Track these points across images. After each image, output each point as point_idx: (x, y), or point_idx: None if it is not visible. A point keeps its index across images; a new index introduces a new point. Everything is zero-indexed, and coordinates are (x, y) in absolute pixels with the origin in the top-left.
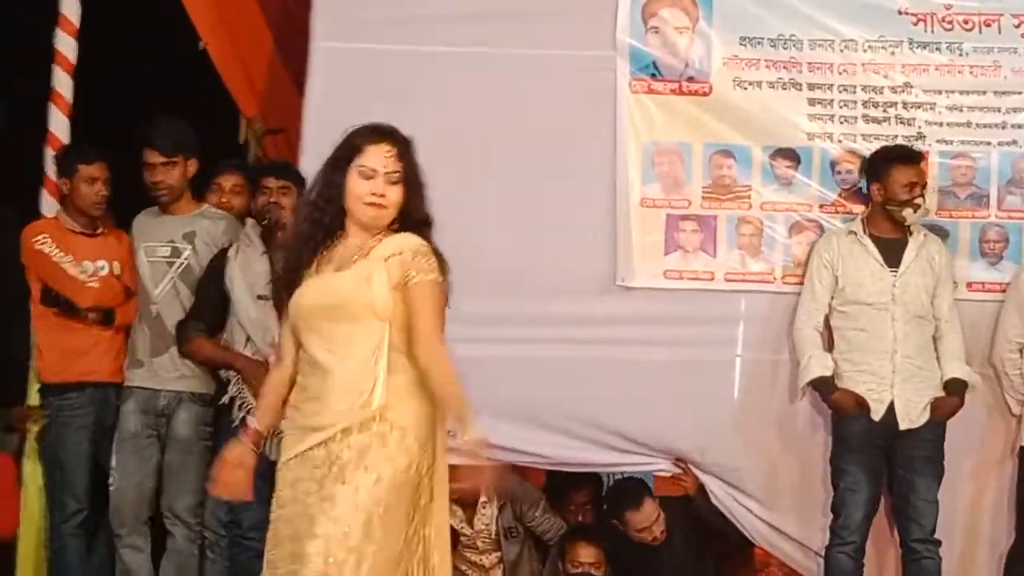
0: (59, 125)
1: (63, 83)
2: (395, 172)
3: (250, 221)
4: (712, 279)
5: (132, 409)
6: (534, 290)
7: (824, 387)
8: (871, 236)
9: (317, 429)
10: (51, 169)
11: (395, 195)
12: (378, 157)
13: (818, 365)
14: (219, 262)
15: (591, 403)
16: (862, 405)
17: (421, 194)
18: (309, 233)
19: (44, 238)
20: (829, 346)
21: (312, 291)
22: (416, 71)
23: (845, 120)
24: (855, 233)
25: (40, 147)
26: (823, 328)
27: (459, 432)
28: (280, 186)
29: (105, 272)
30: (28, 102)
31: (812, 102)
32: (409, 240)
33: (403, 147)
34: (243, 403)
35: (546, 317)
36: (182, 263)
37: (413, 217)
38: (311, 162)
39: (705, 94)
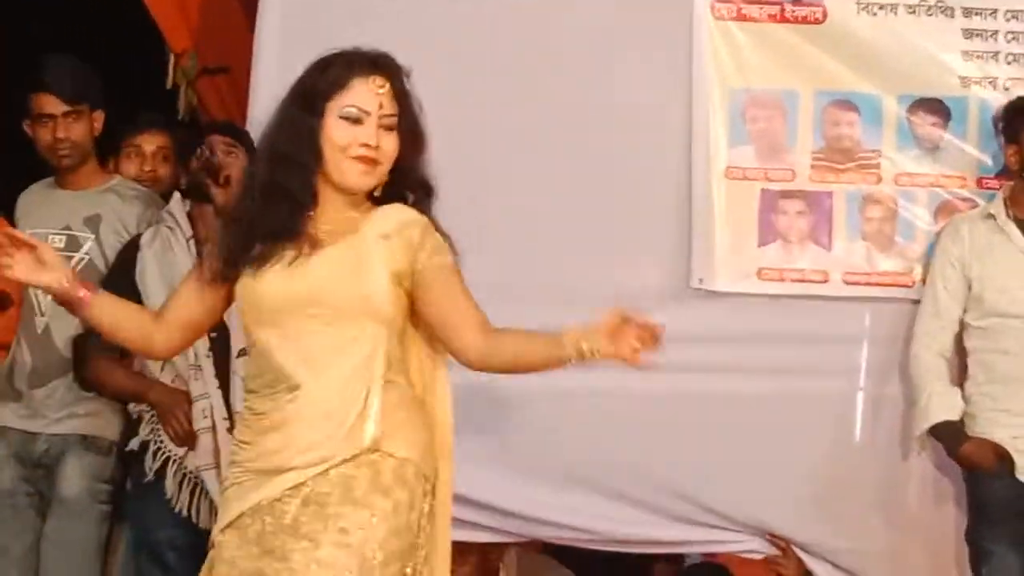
0: None
1: None
2: (391, 115)
3: (175, 197)
4: (825, 281)
5: (3, 455)
6: (577, 297)
7: (949, 436)
8: (1017, 221)
9: (280, 471)
10: None
11: (390, 146)
12: (369, 94)
13: (940, 406)
14: (129, 254)
15: (656, 456)
16: (1004, 459)
17: (421, 148)
18: (273, 202)
19: None
20: (963, 377)
21: (279, 278)
22: None
23: (1015, 59)
24: (994, 217)
25: None
26: (952, 352)
27: (583, 352)
28: (227, 143)
29: None
30: None
31: (968, 34)
32: (411, 214)
33: (400, 82)
34: (159, 450)
35: None
36: (82, 258)
37: (409, 179)
38: (263, 114)
39: (817, 21)
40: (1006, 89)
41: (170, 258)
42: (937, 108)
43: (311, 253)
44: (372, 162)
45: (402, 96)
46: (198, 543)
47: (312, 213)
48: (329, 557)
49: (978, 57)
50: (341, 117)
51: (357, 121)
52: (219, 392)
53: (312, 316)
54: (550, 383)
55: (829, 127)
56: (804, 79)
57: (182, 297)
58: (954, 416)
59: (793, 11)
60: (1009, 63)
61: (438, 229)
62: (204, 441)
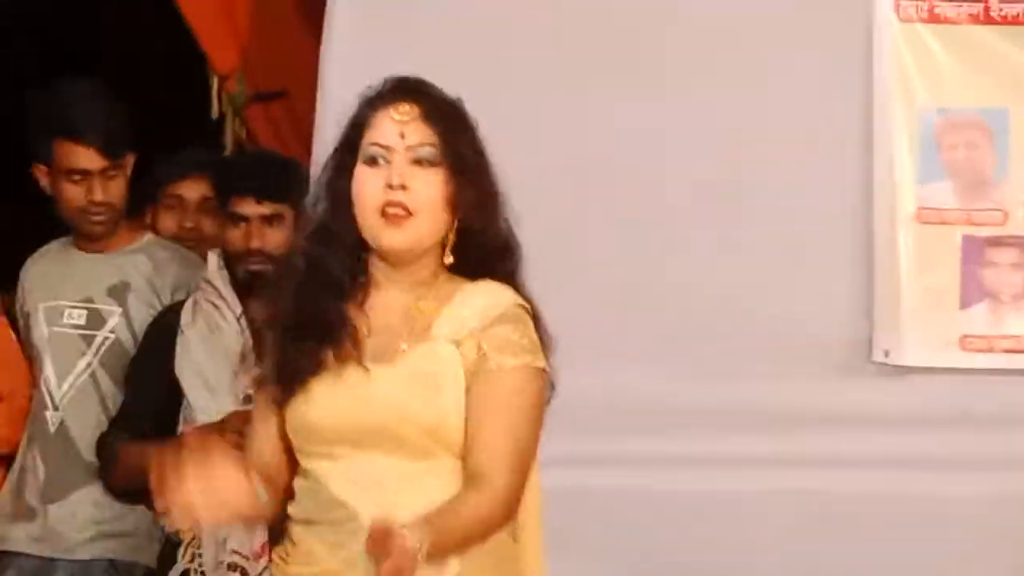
0: None
1: None
2: (424, 146)
3: (212, 257)
4: None
5: None
6: (726, 370)
7: None
8: None
9: None
10: None
11: (427, 186)
12: (390, 125)
13: None
14: (164, 335)
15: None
16: None
17: (491, 195)
18: (312, 289)
19: None
20: None
21: (333, 399)
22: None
23: None
24: None
25: None
26: None
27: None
28: (265, 214)
29: None
30: None
31: None
32: (497, 294)
33: (435, 106)
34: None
35: (749, 418)
36: (106, 337)
37: (478, 241)
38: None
39: None
40: None
41: (216, 342)
42: None
43: (371, 367)
44: (400, 209)
45: (442, 124)
46: None
47: (362, 300)
48: None
49: None
50: (363, 163)
51: (377, 162)
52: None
53: (374, 447)
54: (662, 482)
55: None
56: (1016, 95)
57: (270, 439)
58: None
59: (1001, 9)
60: None
61: (536, 318)
62: None
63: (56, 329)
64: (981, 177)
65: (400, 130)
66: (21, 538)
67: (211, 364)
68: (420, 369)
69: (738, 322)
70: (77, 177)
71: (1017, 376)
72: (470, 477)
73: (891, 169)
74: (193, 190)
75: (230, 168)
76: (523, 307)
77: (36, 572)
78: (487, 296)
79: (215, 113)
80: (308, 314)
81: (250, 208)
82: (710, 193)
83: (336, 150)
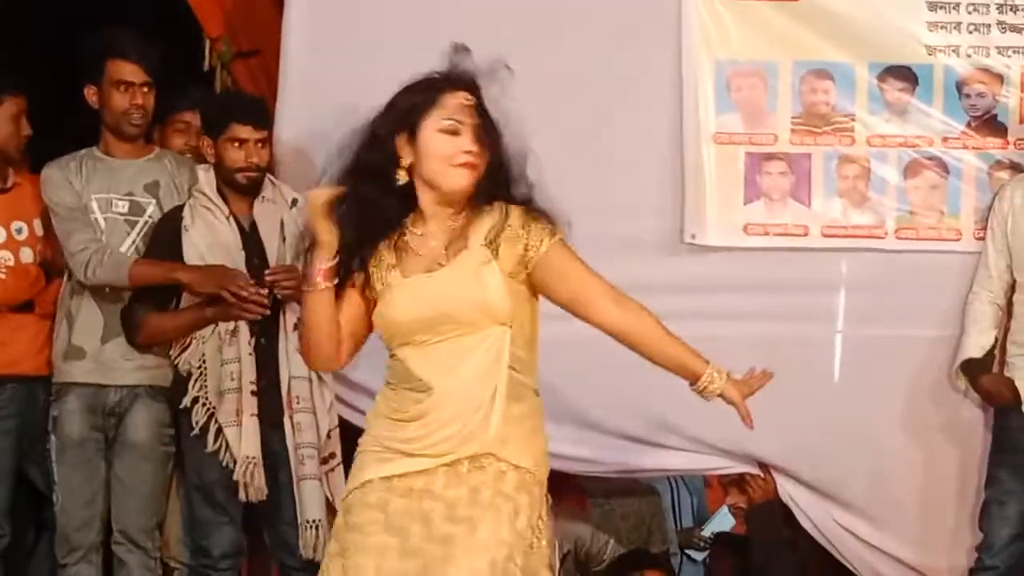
0: None
1: None
2: (480, 126)
3: (202, 172)
4: (805, 235)
5: (74, 409)
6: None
7: (971, 371)
8: None
9: (414, 455)
10: None
11: (483, 151)
12: (461, 107)
13: (971, 345)
14: (171, 232)
15: (650, 394)
16: (1017, 395)
17: (502, 147)
18: (370, 220)
19: None
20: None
21: (407, 301)
22: None
23: (976, 29)
24: None
25: None
26: (1003, 300)
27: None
28: (259, 139)
29: (24, 236)
30: None
31: (932, 6)
32: (507, 209)
33: (480, 95)
34: (207, 405)
35: None
36: (146, 221)
37: (501, 176)
38: (293, 94)
39: None
40: (968, 56)
41: (213, 237)
42: (905, 75)
43: (424, 272)
44: (473, 168)
45: (484, 110)
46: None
47: (405, 232)
48: (491, 501)
49: (942, 27)
50: (440, 130)
51: (456, 132)
52: (250, 358)
53: (440, 330)
54: (557, 334)
55: (807, 94)
56: (783, 51)
57: (352, 308)
58: (978, 354)
59: None
60: (971, 32)
61: (538, 209)
62: (228, 400)
63: (107, 215)
64: (759, 111)
65: (468, 112)
66: (77, 372)
67: (209, 254)
68: (462, 268)
69: (582, 221)
70: (123, 88)
71: (784, 252)
72: (614, 299)
73: (695, 104)
74: (196, 119)
75: (226, 102)
76: (526, 210)
77: (95, 395)
78: (497, 211)
79: (206, 66)
80: (368, 234)
81: (248, 132)
82: (562, 128)
83: (397, 113)
